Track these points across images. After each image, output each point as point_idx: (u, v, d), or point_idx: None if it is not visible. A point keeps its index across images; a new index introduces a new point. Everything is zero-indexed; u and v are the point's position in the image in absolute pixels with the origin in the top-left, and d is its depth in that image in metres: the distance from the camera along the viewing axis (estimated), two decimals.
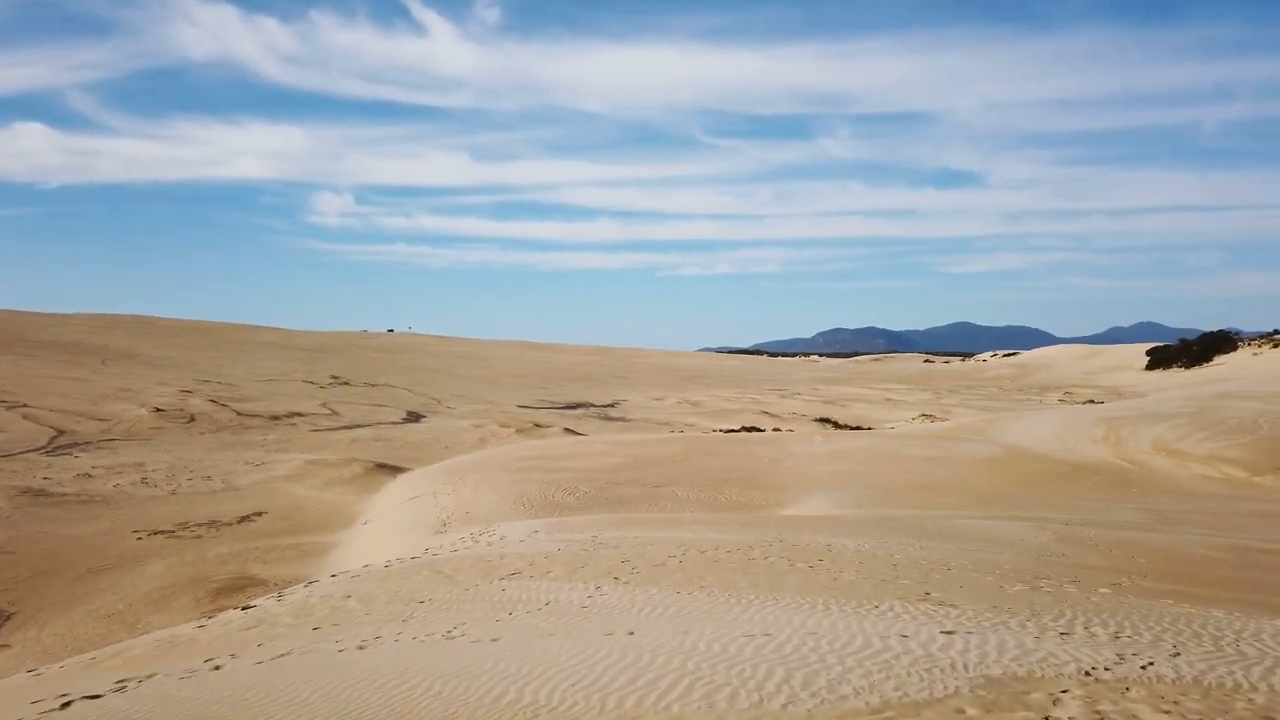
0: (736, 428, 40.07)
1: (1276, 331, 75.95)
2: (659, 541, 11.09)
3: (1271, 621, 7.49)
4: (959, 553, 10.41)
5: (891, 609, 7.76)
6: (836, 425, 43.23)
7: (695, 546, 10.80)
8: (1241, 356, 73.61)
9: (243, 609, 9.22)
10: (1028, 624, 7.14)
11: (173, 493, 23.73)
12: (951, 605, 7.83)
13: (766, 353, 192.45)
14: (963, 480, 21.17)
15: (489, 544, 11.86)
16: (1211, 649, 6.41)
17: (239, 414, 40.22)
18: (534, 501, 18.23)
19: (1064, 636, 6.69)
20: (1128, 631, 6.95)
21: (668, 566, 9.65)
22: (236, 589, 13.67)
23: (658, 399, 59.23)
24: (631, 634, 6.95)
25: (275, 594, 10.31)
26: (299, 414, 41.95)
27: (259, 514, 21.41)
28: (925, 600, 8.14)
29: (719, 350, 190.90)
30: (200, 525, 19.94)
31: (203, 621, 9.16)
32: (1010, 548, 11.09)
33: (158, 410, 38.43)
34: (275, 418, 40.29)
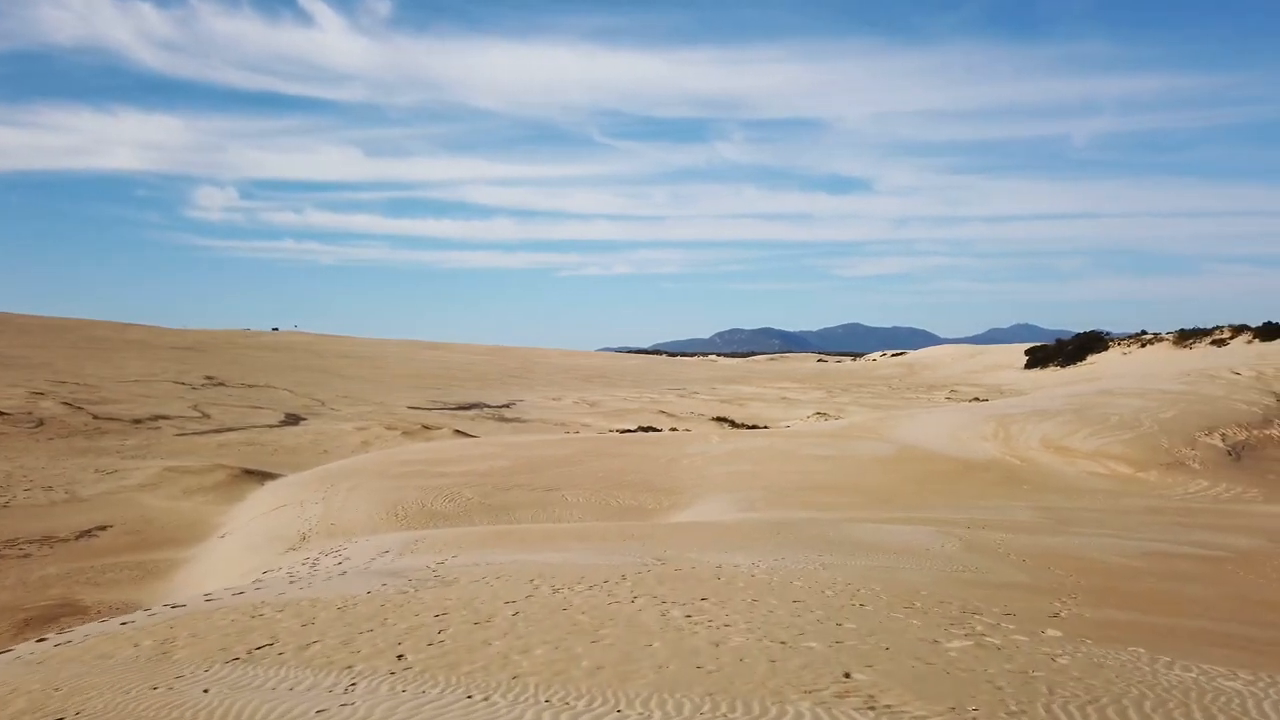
0: (633, 428, 39.27)
1: (1144, 332, 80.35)
2: (512, 571, 9.20)
3: (1273, 677, 6.21)
4: (867, 573, 9.22)
5: None
6: (733, 424, 42.97)
7: (552, 579, 8.83)
8: (1112, 356, 77.57)
9: None
10: None
11: (4, 505, 21.24)
12: (888, 709, 5.64)
13: (666, 353, 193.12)
14: (857, 480, 20.82)
15: (293, 580, 9.35)
16: None
17: (95, 417, 37.04)
18: (409, 510, 16.81)
19: None
20: None
21: (491, 626, 7.09)
22: (50, 619, 11.89)
23: (555, 399, 57.95)
24: None
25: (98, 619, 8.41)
26: (164, 417, 38.98)
27: (103, 528, 19.29)
28: (846, 695, 5.89)
29: (619, 350, 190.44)
30: (31, 542, 17.74)
31: None
32: (920, 561, 10.17)
33: (1, 414, 34.96)
34: (136, 421, 37.26)
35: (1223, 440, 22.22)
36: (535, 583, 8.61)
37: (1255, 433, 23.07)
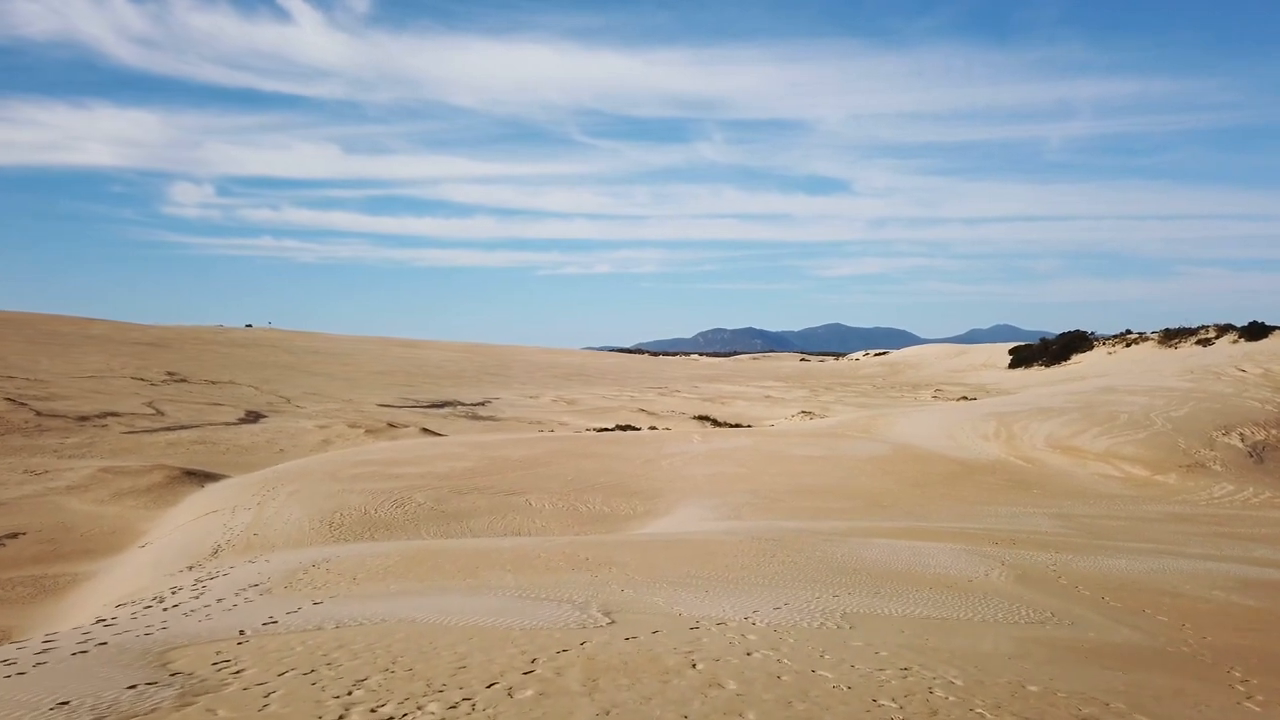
0: (611, 426, 37.49)
1: (1128, 332, 79.58)
2: (355, 650, 6.07)
3: None
4: (920, 635, 6.64)
5: None
6: (715, 423, 41.28)
7: (401, 680, 5.53)
8: (1097, 355, 76.75)
9: None
10: None
11: None
12: None
13: (648, 352, 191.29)
14: (851, 482, 19.12)
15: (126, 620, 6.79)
16: None
17: (38, 414, 34.76)
18: (347, 519, 14.88)
19: None
20: None
21: None
22: None
23: (532, 397, 56.02)
24: None
25: None
26: (114, 414, 36.73)
27: (13, 535, 17.29)
28: None
29: (601, 349, 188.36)
30: None
31: None
32: (973, 604, 7.99)
33: None
34: (83, 418, 35.03)
35: (1242, 440, 20.68)
36: (354, 694, 5.20)
37: (1274, 432, 21.56)
